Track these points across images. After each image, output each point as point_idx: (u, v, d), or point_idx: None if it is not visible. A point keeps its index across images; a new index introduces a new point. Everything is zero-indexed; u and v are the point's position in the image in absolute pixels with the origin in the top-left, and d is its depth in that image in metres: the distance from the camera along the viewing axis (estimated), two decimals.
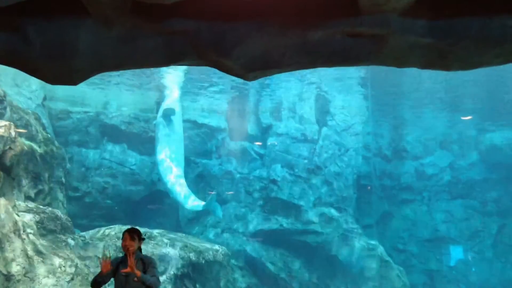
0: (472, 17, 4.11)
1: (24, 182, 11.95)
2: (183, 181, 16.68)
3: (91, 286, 5.16)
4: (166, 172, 16.86)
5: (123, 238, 5.14)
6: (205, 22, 4.17)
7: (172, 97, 18.42)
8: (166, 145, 17.31)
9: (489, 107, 19.63)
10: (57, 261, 10.41)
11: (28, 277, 9.76)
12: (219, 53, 4.27)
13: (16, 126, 11.61)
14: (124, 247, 5.09)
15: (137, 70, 15.99)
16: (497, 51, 4.30)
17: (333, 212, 17.99)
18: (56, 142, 15.02)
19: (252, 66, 4.36)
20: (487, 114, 20.24)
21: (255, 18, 4.10)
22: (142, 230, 14.29)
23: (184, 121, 18.90)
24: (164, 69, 15.93)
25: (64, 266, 10.40)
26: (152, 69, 16.19)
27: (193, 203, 16.27)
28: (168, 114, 17.72)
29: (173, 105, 18.08)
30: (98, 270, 11.52)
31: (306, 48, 4.22)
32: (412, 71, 14.96)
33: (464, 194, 20.83)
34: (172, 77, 17.51)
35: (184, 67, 16.09)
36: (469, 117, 20.47)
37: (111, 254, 5.37)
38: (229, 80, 17.03)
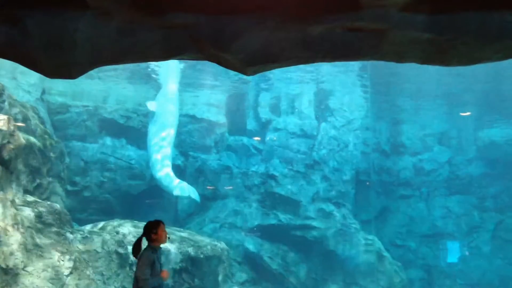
0: (472, 13, 4.10)
1: (23, 176, 11.93)
2: (170, 170, 16.82)
3: None
4: (154, 163, 17.07)
5: (164, 229, 5.49)
6: (205, 16, 4.15)
7: (169, 90, 18.42)
8: (156, 134, 17.45)
9: (488, 103, 19.64)
10: (56, 255, 10.42)
11: (27, 271, 9.77)
12: (218, 47, 4.26)
13: (15, 120, 11.59)
14: (167, 236, 5.47)
15: (137, 63, 15.95)
16: (496, 47, 4.30)
17: (332, 207, 18.02)
18: (54, 136, 15.00)
19: (252, 60, 4.35)
20: (486, 110, 20.25)
21: (254, 12, 4.09)
22: (140, 224, 14.27)
23: (183, 115, 18.88)
24: (162, 62, 15.90)
25: (62, 260, 10.41)
26: (150, 62, 16.14)
27: (180, 185, 16.57)
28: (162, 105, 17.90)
29: (170, 97, 18.12)
30: (97, 264, 11.57)
31: (306, 42, 4.21)
32: (412, 67, 14.93)
33: (462, 190, 20.86)
34: (170, 70, 17.49)
35: (183, 61, 16.08)
36: (467, 113, 20.48)
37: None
38: (228, 74, 17.00)
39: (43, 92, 16.84)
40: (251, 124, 19.61)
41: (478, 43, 4.23)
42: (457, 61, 4.46)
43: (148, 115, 18.56)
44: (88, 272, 10.81)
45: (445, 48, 4.27)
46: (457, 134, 21.69)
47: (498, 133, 20.74)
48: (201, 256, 13.28)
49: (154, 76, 18.16)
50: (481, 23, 4.11)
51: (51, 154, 13.80)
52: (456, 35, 4.17)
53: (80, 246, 11.40)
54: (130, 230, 12.76)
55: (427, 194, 20.97)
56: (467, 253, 20.35)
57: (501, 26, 4.11)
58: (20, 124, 12.54)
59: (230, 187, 18.41)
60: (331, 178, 18.40)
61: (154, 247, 5.39)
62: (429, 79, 17.41)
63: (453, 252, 20.42)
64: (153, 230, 5.44)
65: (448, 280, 19.59)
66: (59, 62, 4.30)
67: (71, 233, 11.47)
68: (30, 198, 11.33)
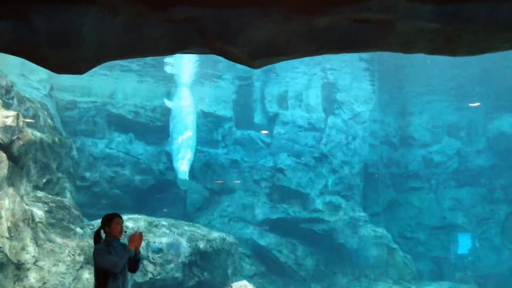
0: (479, 2, 4.06)
1: (33, 172, 12.03)
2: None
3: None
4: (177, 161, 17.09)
5: (119, 223, 5.52)
6: (210, 10, 4.14)
7: (184, 86, 18.45)
8: (180, 133, 17.46)
9: (497, 94, 19.46)
10: (66, 249, 10.52)
11: (38, 266, 9.88)
12: (224, 41, 4.25)
13: (24, 116, 11.66)
14: (122, 230, 5.49)
15: (145, 59, 15.97)
16: (505, 36, 4.25)
17: (340, 200, 18.00)
18: (63, 132, 15.09)
19: (258, 53, 4.34)
20: (495, 100, 20.07)
21: (260, 4, 4.07)
22: (149, 219, 14.34)
23: None
24: (172, 57, 15.90)
25: (73, 255, 10.51)
26: (159, 57, 16.12)
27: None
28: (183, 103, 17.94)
29: (186, 94, 18.16)
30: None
31: (312, 34, 4.19)
32: (420, 57, 14.83)
33: (472, 181, 20.74)
34: (181, 65, 17.48)
35: (192, 56, 16.06)
36: (477, 104, 20.31)
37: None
38: (235, 68, 16.97)
39: (51, 88, 16.92)
40: (258, 118, 19.60)
41: (486, 32, 4.18)
42: (465, 51, 4.42)
43: (156, 110, 18.59)
44: None
45: (453, 38, 4.23)
46: (466, 125, 21.55)
47: (508, 124, 20.57)
48: (210, 250, 13.34)
49: (168, 71, 18.13)
50: (489, 13, 4.06)
51: (61, 150, 13.89)
52: (464, 25, 4.13)
53: (91, 241, 11.48)
54: (139, 224, 12.84)
55: (437, 186, 20.89)
56: (477, 245, 20.26)
57: (509, 16, 4.07)
58: (29, 120, 12.62)
59: (238, 181, 18.44)
60: (339, 171, 18.38)
61: (108, 240, 5.42)
62: (437, 70, 17.28)
63: (463, 244, 20.34)
64: (106, 223, 5.46)
65: (459, 272, 19.52)
66: (67, 58, 4.32)
67: (81, 228, 11.57)
68: (40, 194, 11.43)
